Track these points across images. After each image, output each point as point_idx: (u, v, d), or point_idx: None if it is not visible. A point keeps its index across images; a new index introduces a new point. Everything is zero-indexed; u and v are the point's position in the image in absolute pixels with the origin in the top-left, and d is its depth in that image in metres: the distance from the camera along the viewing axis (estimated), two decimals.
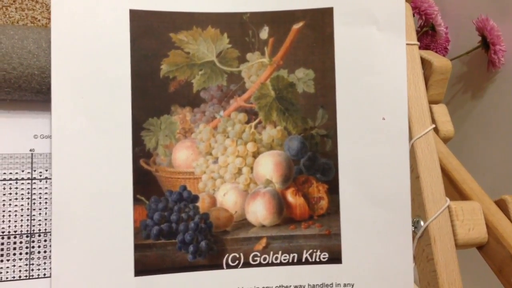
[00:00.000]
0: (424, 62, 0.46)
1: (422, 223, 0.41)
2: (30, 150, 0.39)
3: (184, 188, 0.41)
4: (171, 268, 0.40)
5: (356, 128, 0.42)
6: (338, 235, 0.41)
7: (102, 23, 0.39)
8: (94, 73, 0.39)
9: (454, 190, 0.46)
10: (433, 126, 0.44)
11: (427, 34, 0.70)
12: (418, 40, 0.45)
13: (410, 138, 0.43)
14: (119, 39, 0.40)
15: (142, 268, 0.39)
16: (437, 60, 0.46)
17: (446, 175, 0.46)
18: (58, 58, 0.38)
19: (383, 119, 0.41)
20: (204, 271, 0.40)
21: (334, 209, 0.42)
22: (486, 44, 0.64)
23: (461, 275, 0.41)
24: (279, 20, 0.42)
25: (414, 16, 0.68)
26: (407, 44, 0.43)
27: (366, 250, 0.42)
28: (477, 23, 0.65)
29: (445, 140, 0.48)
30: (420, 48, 0.46)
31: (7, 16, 0.60)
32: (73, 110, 0.38)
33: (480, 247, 0.43)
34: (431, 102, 0.47)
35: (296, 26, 0.42)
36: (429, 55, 0.47)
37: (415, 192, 0.42)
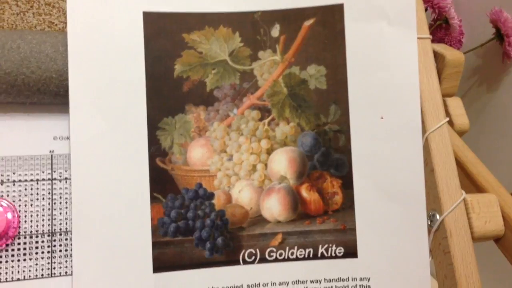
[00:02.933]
0: (437, 56, 0.46)
1: (437, 216, 0.41)
2: (50, 152, 0.40)
3: (200, 185, 0.41)
4: (189, 264, 0.40)
5: (369, 123, 0.42)
6: (353, 230, 0.42)
7: (117, 25, 0.40)
8: (110, 75, 0.40)
9: (470, 183, 0.46)
10: (447, 119, 0.43)
11: (440, 28, 0.70)
12: (432, 34, 0.45)
13: (424, 131, 0.42)
14: (133, 41, 0.40)
15: (160, 265, 0.40)
16: (450, 53, 0.46)
17: (462, 168, 0.46)
18: (75, 61, 0.39)
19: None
20: (221, 267, 0.41)
21: (348, 204, 0.42)
22: (500, 36, 0.64)
23: (478, 268, 0.40)
24: (290, 18, 0.42)
25: (427, 9, 0.68)
26: (418, 38, 0.43)
27: (381, 244, 0.42)
28: (491, 15, 0.64)
29: (461, 133, 0.48)
30: (434, 41, 0.45)
31: (25, 21, 0.61)
32: (90, 111, 0.39)
33: (497, 240, 0.43)
34: (445, 95, 0.47)
35: (307, 23, 0.42)
36: (441, 48, 0.46)
37: (430, 186, 0.42)
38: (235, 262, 0.41)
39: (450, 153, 0.43)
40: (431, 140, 0.43)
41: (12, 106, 0.40)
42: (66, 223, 0.40)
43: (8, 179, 0.39)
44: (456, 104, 0.48)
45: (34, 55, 0.38)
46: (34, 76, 0.38)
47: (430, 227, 0.42)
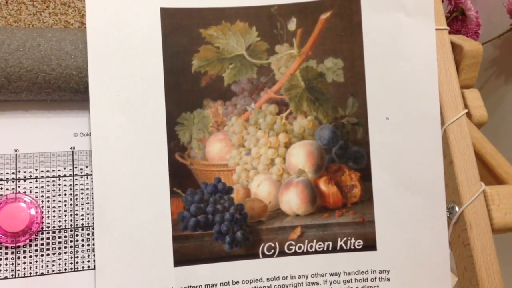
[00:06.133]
0: (455, 47, 0.46)
1: (457, 208, 0.41)
2: (71, 148, 0.41)
3: (219, 180, 0.42)
4: (209, 258, 0.41)
5: (387, 115, 0.42)
6: (372, 223, 0.42)
7: (135, 22, 0.41)
8: (129, 71, 0.40)
9: (489, 175, 0.46)
10: (466, 111, 0.43)
11: (457, 19, 0.69)
12: (448, 25, 0.45)
13: (443, 123, 0.42)
14: (151, 37, 0.41)
15: (181, 258, 0.40)
16: (468, 44, 0.45)
17: (481, 160, 0.46)
18: (94, 58, 0.40)
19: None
20: (241, 260, 0.41)
21: (367, 197, 0.42)
22: None
23: (498, 259, 0.40)
24: (307, 11, 0.42)
25: (443, 1, 0.67)
26: (436, 29, 0.43)
27: (401, 237, 0.42)
28: (508, 5, 0.63)
29: (479, 125, 0.48)
30: (450, 33, 0.45)
31: (41, 21, 0.62)
32: (110, 107, 0.40)
33: None
34: (463, 87, 0.46)
35: (323, 16, 0.42)
36: (459, 39, 0.46)
37: (449, 178, 0.42)
38: (255, 255, 0.41)
39: (469, 145, 0.42)
40: (450, 132, 0.42)
41: (33, 103, 0.41)
42: (88, 218, 0.40)
43: (30, 176, 0.40)
44: (474, 96, 0.48)
45: (54, 53, 0.39)
46: (54, 73, 0.39)
47: (449, 219, 0.42)
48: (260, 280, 0.41)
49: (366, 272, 0.42)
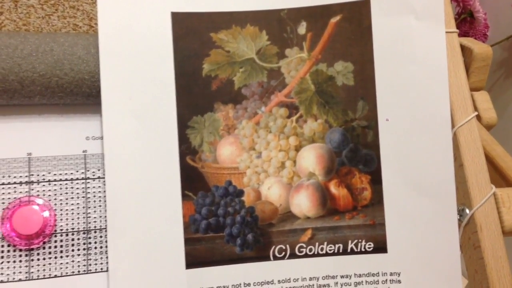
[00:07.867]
0: (464, 50, 0.46)
1: (467, 211, 0.41)
2: (83, 151, 0.41)
3: (230, 183, 0.42)
4: (220, 260, 0.41)
5: (397, 118, 0.42)
6: (382, 225, 0.42)
7: (146, 27, 0.41)
8: (141, 76, 0.41)
9: (500, 177, 0.46)
10: (476, 113, 0.43)
11: (465, 21, 0.69)
12: (457, 27, 0.45)
13: (453, 126, 0.42)
14: (163, 41, 0.41)
15: (193, 261, 0.40)
16: (478, 46, 0.45)
17: (491, 162, 0.46)
18: (106, 63, 0.40)
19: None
20: (252, 262, 0.41)
21: (377, 200, 0.42)
22: None
23: (509, 262, 0.40)
24: (316, 15, 0.42)
25: (451, 3, 0.67)
26: (446, 32, 0.43)
27: (411, 239, 0.42)
28: None
29: (488, 127, 0.48)
30: (459, 35, 0.45)
31: (50, 24, 0.62)
32: (122, 111, 0.40)
33: None
34: (473, 89, 0.46)
35: (333, 20, 0.42)
36: (469, 42, 0.46)
37: (459, 181, 0.42)
38: (266, 258, 0.41)
39: (479, 148, 0.42)
40: (460, 134, 0.42)
41: (46, 107, 0.41)
42: (101, 221, 0.41)
43: (43, 179, 0.40)
44: (483, 98, 0.48)
45: (67, 58, 0.39)
46: (67, 78, 0.39)
47: (459, 222, 0.42)
48: (271, 282, 0.41)
49: (377, 274, 0.42)
